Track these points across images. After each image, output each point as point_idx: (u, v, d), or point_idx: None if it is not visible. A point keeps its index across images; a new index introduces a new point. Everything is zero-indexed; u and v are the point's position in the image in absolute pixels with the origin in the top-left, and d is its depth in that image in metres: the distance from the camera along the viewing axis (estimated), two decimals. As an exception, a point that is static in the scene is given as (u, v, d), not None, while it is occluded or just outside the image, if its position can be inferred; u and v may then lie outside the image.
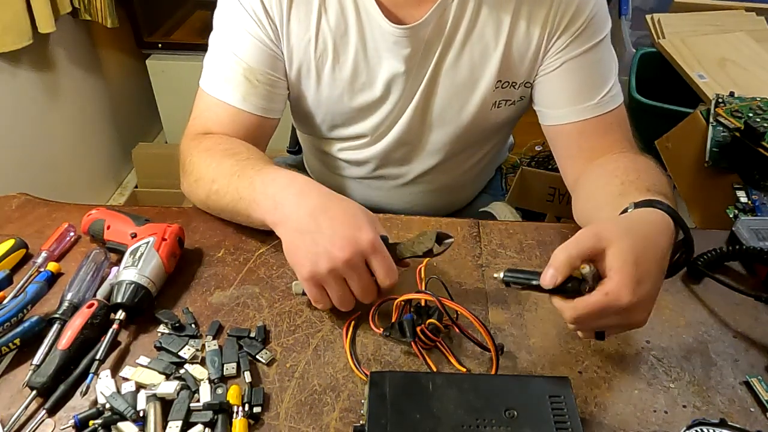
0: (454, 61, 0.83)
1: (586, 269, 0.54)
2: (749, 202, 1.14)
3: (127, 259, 0.69)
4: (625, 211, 0.64)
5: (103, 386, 0.59)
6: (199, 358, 0.63)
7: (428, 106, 0.87)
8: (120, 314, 0.64)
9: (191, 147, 0.81)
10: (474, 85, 0.84)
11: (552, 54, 0.82)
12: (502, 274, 0.58)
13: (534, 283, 0.56)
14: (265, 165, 0.73)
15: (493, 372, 0.61)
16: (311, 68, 0.84)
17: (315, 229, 0.62)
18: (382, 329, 0.65)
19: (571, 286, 0.55)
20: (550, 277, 0.55)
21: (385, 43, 0.81)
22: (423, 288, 0.69)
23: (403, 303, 0.65)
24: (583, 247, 0.55)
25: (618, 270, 0.54)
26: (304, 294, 0.69)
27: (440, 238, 0.65)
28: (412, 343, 0.63)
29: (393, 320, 0.65)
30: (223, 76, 0.82)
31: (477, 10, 0.80)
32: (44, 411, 0.57)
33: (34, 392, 0.58)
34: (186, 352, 0.62)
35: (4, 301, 0.67)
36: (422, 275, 0.70)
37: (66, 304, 0.66)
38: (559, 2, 0.79)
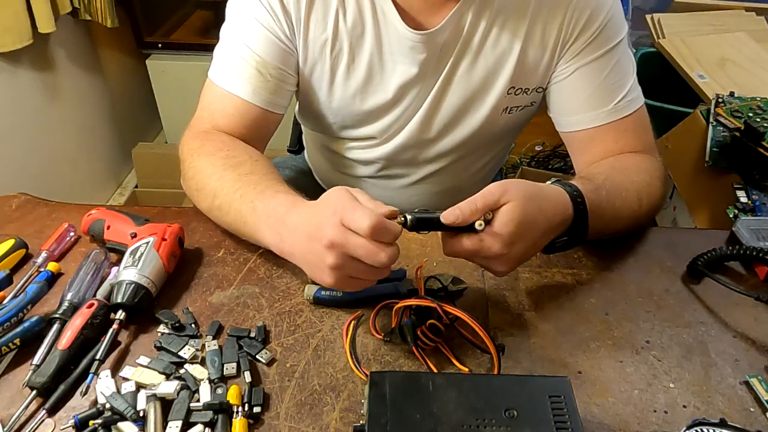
0: (468, 67, 0.82)
1: (482, 226, 0.60)
2: (749, 202, 1.14)
3: (127, 259, 0.69)
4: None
5: (103, 386, 0.59)
6: (199, 358, 0.63)
7: (439, 111, 0.86)
8: (120, 314, 0.64)
9: (193, 149, 0.80)
10: (486, 91, 0.84)
11: (565, 61, 0.82)
12: (409, 218, 0.60)
13: (437, 219, 0.61)
14: (266, 185, 0.71)
15: (495, 372, 0.61)
16: (325, 68, 0.83)
17: (311, 246, 0.61)
18: (382, 334, 0.65)
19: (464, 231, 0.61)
20: (453, 216, 0.60)
21: (401, 47, 0.80)
22: (422, 289, 0.69)
23: (402, 308, 0.65)
24: (488, 199, 0.61)
25: (501, 225, 0.61)
26: (315, 301, 0.69)
27: (456, 280, 0.72)
28: (414, 348, 0.63)
29: (393, 325, 0.65)
30: (235, 69, 0.81)
31: (493, 17, 0.80)
32: (44, 411, 0.57)
33: (34, 392, 0.58)
34: (186, 352, 0.63)
35: (4, 301, 0.67)
36: (420, 275, 0.70)
37: (66, 304, 0.66)
38: (573, 9, 0.79)
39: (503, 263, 0.63)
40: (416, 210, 0.61)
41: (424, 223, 0.60)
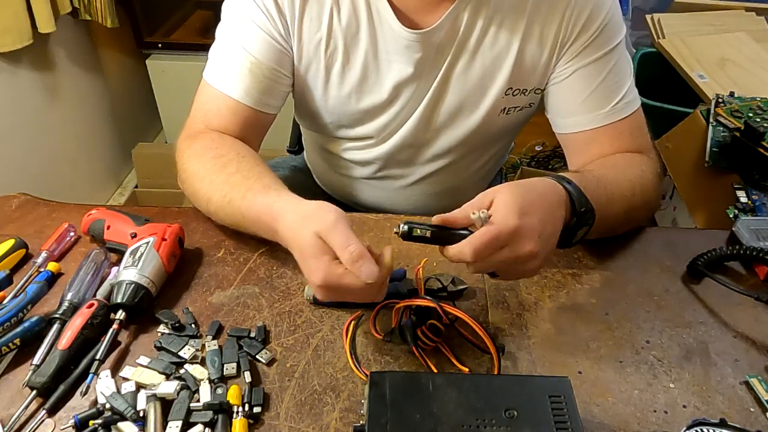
0: (465, 67, 0.82)
1: (475, 214, 0.58)
2: (749, 202, 1.14)
3: (127, 259, 0.69)
4: None
5: (103, 386, 0.59)
6: (199, 358, 0.63)
7: (436, 111, 0.86)
8: (120, 314, 0.64)
9: (184, 148, 0.81)
10: (484, 91, 0.84)
11: (564, 62, 0.82)
12: (404, 227, 0.60)
13: (430, 230, 0.60)
14: (247, 188, 0.71)
15: (495, 372, 0.61)
16: (320, 67, 0.83)
17: (305, 271, 0.62)
18: (383, 335, 0.65)
19: (462, 236, 0.59)
20: (439, 217, 0.60)
21: (396, 46, 0.80)
22: (422, 290, 0.69)
23: (402, 308, 0.65)
24: (474, 201, 0.61)
25: (503, 204, 0.60)
26: (315, 301, 0.70)
27: (456, 280, 0.71)
28: (414, 348, 0.63)
29: (393, 325, 0.65)
30: (229, 69, 0.81)
31: (490, 16, 0.79)
32: (44, 411, 0.57)
33: (34, 392, 0.58)
34: (186, 352, 0.63)
35: (4, 301, 0.67)
36: (420, 275, 0.70)
37: (66, 304, 0.66)
38: (572, 10, 0.79)
39: (526, 241, 0.59)
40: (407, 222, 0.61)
41: (417, 230, 0.60)
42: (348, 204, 1.07)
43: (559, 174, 0.70)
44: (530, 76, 0.83)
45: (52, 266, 0.73)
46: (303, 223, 0.62)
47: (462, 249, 0.58)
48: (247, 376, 0.60)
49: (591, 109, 0.82)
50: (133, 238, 0.72)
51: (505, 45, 0.81)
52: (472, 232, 0.59)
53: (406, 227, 0.59)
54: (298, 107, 0.93)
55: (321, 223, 0.59)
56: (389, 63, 0.82)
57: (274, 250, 0.77)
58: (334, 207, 0.62)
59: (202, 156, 0.78)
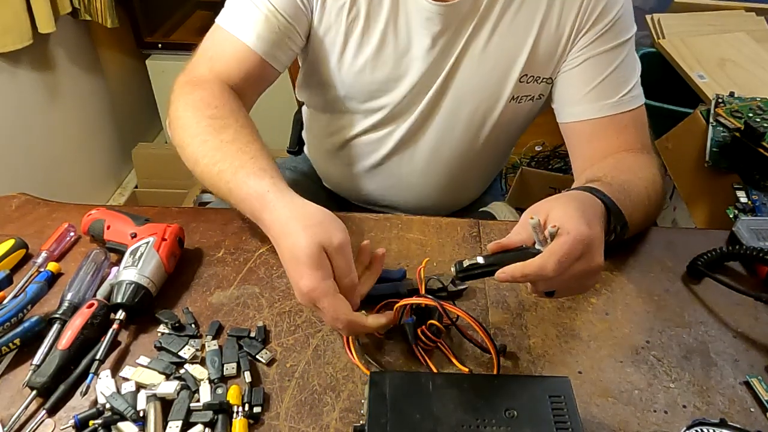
0: (482, 47, 0.83)
1: (534, 219, 0.56)
2: (749, 202, 1.14)
3: (127, 259, 0.69)
4: None
5: (103, 386, 0.59)
6: (199, 358, 0.63)
7: (448, 90, 0.86)
8: (120, 314, 0.64)
9: (182, 93, 0.79)
10: (498, 74, 0.84)
11: (576, 50, 0.83)
12: (456, 266, 0.59)
13: (481, 257, 0.59)
14: (240, 163, 0.69)
15: (494, 372, 0.61)
16: (340, 32, 0.83)
17: (289, 261, 0.62)
18: (383, 334, 0.65)
19: (522, 255, 0.57)
20: (495, 243, 0.59)
21: (418, 17, 0.80)
22: (423, 289, 0.69)
23: (403, 307, 0.65)
24: (527, 220, 0.58)
25: (568, 215, 0.58)
26: None
27: (456, 282, 0.70)
28: (414, 347, 0.63)
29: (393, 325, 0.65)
30: (245, 14, 0.81)
31: None
32: (44, 411, 0.57)
33: (34, 392, 0.58)
34: (186, 352, 0.63)
35: (4, 301, 0.67)
36: (422, 276, 0.70)
37: (66, 304, 0.66)
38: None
39: (597, 250, 0.58)
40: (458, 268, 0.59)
41: (474, 275, 0.59)
42: (350, 199, 1.06)
43: (591, 186, 0.69)
44: (545, 63, 0.84)
45: (52, 266, 0.73)
46: (302, 226, 0.61)
47: (545, 262, 0.55)
48: (247, 376, 0.60)
49: (599, 99, 0.82)
50: (133, 238, 0.72)
51: (523, 30, 0.81)
52: (525, 251, 0.58)
53: (456, 265, 0.59)
54: (308, 79, 0.92)
55: (329, 239, 0.60)
56: (408, 34, 0.82)
57: (275, 250, 0.77)
58: (338, 221, 0.62)
59: (198, 110, 0.75)
